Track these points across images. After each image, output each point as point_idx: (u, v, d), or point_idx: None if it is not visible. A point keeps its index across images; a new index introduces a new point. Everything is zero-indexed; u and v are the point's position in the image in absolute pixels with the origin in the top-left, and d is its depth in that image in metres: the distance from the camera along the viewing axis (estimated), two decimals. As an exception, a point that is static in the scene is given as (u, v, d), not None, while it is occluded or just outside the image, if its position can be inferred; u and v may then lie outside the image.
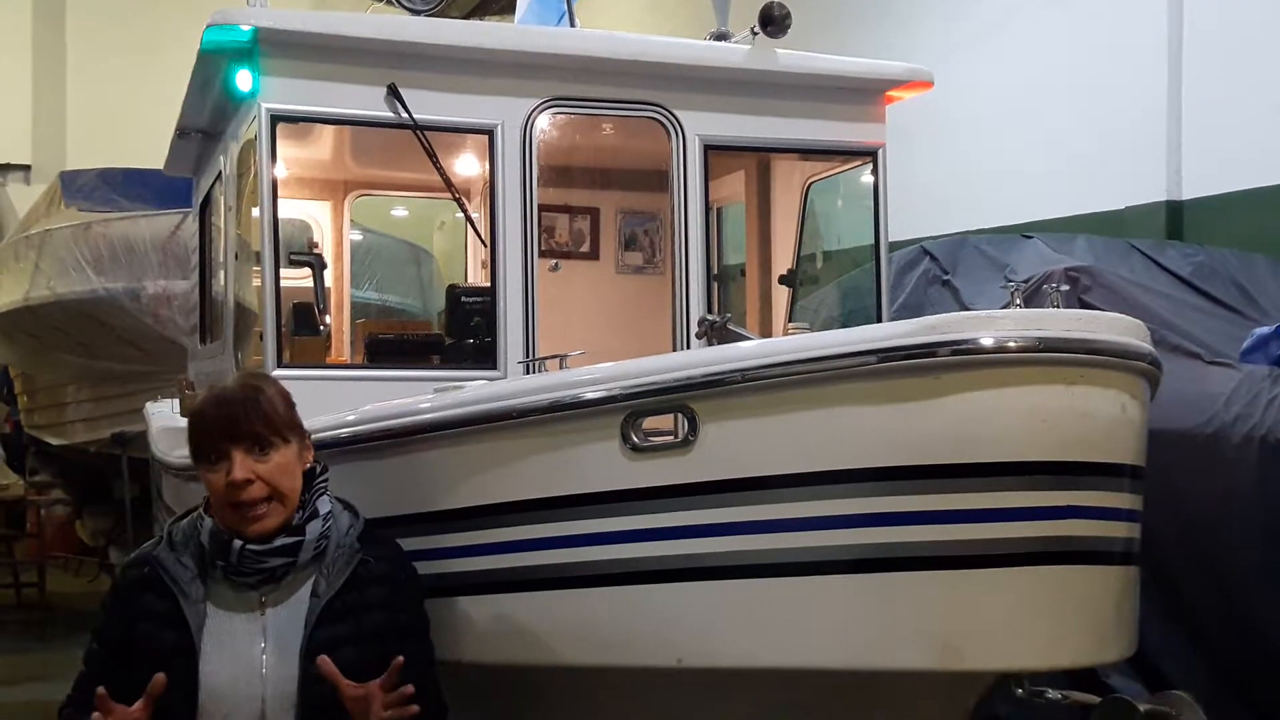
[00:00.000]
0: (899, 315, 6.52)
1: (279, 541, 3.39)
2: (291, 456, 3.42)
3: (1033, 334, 3.40)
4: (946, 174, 10.30)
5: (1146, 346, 3.62)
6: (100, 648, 3.49)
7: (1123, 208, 8.75)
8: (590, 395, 3.84)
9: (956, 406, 3.41)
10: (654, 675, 3.82)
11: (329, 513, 3.50)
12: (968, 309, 6.36)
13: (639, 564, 3.75)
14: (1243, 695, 5.33)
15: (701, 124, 5.89)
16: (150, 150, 10.05)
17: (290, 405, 3.48)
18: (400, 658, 3.25)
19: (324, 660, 3.23)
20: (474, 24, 5.73)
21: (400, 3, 6.21)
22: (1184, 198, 8.45)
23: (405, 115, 5.48)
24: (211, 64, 5.73)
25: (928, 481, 3.43)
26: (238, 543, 3.36)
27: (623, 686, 3.98)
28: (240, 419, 3.35)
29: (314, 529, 3.44)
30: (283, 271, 5.49)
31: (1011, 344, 3.39)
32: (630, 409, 3.77)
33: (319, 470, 3.55)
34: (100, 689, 3.18)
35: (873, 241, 6.35)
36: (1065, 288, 3.91)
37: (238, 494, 3.32)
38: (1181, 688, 3.59)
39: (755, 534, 3.61)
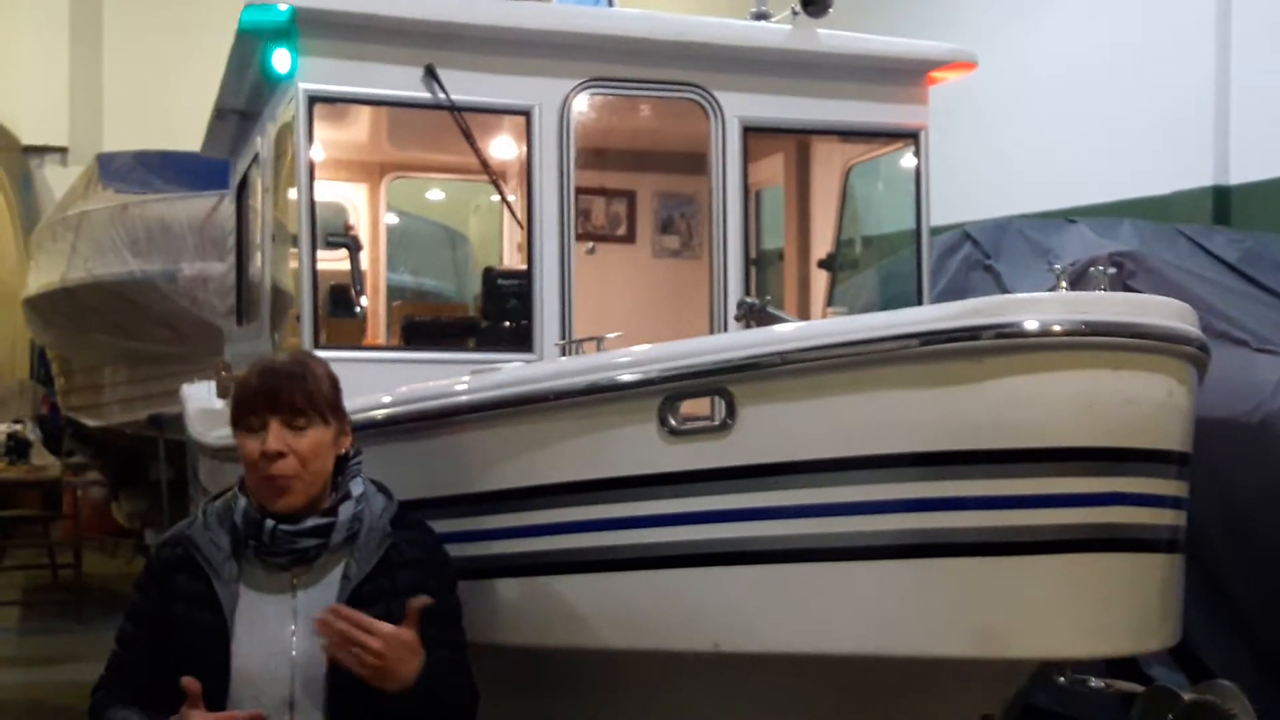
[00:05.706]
0: (940, 300, 6.46)
1: (311, 522, 3.39)
2: (327, 439, 3.42)
3: (1078, 317, 3.35)
4: (988, 157, 10.22)
5: (1195, 331, 3.55)
6: (135, 628, 3.48)
7: (1169, 193, 8.66)
8: (627, 378, 3.81)
9: (1000, 391, 3.36)
10: (690, 660, 3.79)
11: (361, 495, 3.50)
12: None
13: (675, 548, 3.72)
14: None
15: (741, 105, 5.84)
16: (187, 132, 10.04)
17: (336, 388, 3.49)
18: (425, 597, 3.30)
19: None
20: (512, 4, 5.66)
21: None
22: (1231, 182, 8.35)
23: (442, 96, 5.46)
24: (249, 44, 5.71)
25: (970, 467, 3.38)
26: (270, 523, 3.37)
27: (658, 671, 3.95)
28: (283, 390, 3.37)
29: (346, 510, 3.44)
30: (319, 253, 5.49)
31: (1057, 327, 3.33)
32: (668, 392, 3.73)
33: (352, 453, 3.55)
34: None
35: (914, 225, 6.30)
36: (1112, 271, 3.83)
37: (268, 465, 3.33)
38: (1224, 678, 3.53)
39: (793, 519, 3.56)
